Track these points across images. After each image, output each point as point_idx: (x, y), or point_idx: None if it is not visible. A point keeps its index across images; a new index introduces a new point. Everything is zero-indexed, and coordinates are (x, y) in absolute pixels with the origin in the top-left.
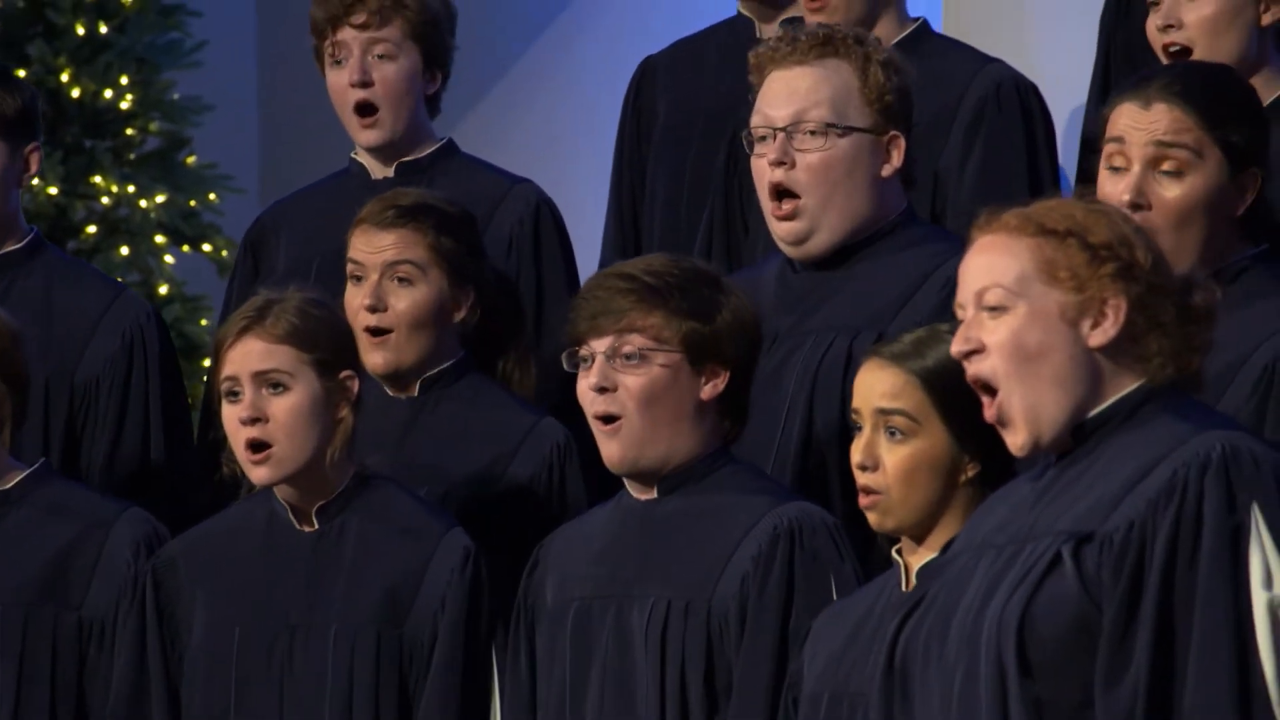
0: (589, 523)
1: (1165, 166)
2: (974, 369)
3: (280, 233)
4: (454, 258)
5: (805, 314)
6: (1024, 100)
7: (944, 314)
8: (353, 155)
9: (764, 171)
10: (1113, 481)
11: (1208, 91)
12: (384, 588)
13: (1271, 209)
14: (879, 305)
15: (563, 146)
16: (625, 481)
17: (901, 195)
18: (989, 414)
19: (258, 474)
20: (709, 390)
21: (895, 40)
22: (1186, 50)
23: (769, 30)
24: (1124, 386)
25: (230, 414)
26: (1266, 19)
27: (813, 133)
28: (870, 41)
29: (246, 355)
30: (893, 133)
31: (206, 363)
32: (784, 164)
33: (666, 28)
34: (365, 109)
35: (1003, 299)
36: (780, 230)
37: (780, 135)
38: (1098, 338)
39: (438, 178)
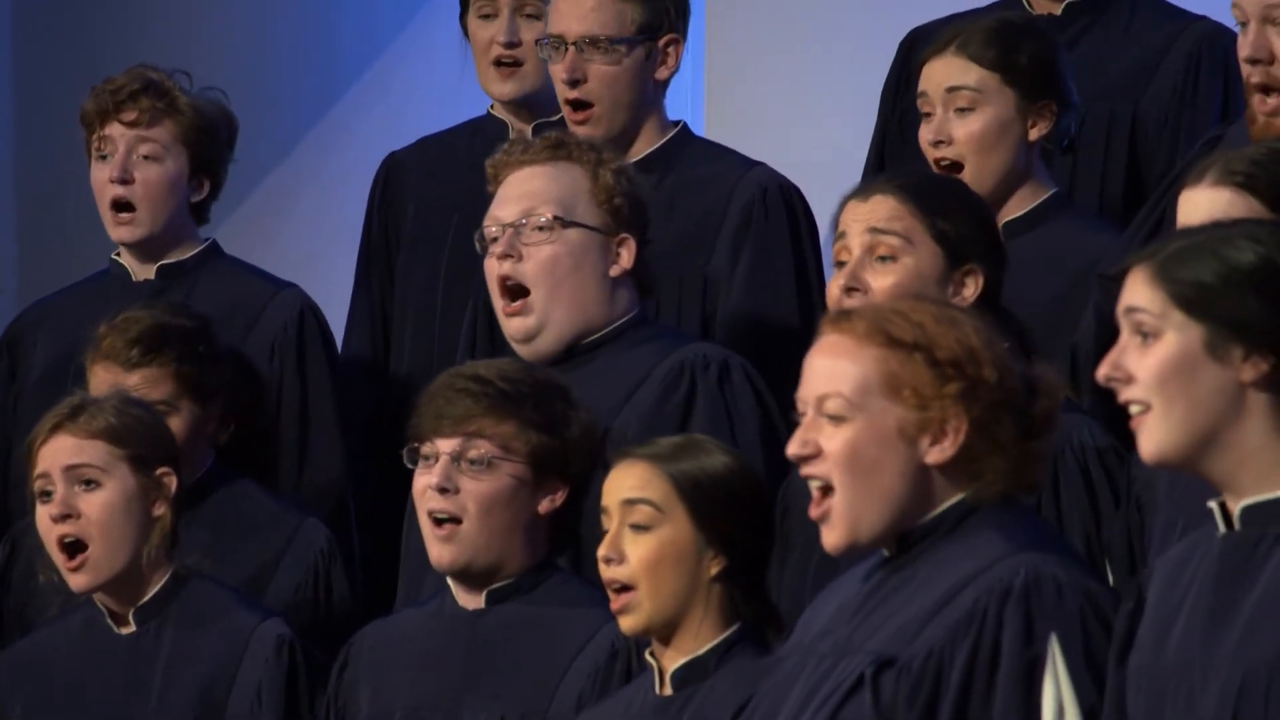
0: (405, 626)
1: (879, 252)
2: (808, 470)
3: (38, 333)
4: (199, 380)
5: None
6: (789, 203)
7: (662, 407)
8: (114, 256)
9: (494, 268)
10: (924, 601)
11: (925, 185)
12: (199, 687)
13: (1010, 319)
14: (604, 405)
15: (328, 249)
16: (451, 587)
17: (634, 299)
18: (814, 512)
19: (76, 581)
20: (547, 505)
21: (658, 146)
22: (957, 165)
23: (525, 134)
24: (951, 498)
25: (42, 514)
26: (1033, 134)
27: (540, 228)
28: (604, 149)
29: (58, 451)
30: (622, 234)
31: None
32: (511, 257)
33: (431, 131)
34: (122, 206)
35: (842, 409)
36: (510, 327)
37: (509, 231)
38: (934, 456)
39: (201, 280)
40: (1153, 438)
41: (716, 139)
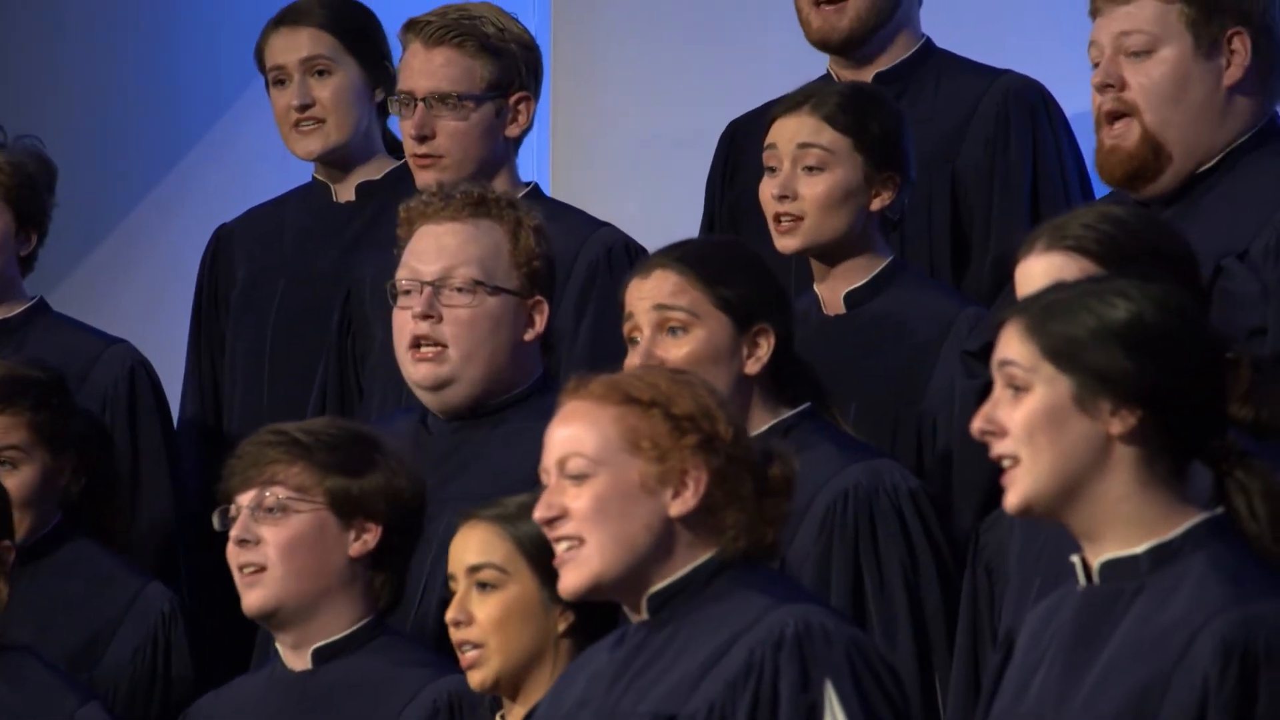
0: (238, 693)
1: (669, 325)
2: (556, 533)
3: None
4: (53, 430)
5: (443, 480)
6: (634, 264)
7: None
8: None
9: (406, 324)
10: (692, 660)
11: (702, 255)
12: None
13: (804, 369)
14: (515, 477)
15: (165, 310)
16: (279, 649)
17: (539, 361)
18: (557, 560)
19: None
20: (358, 547)
21: None
22: (798, 221)
23: (344, 194)
24: (697, 557)
25: None
26: (876, 203)
27: (460, 289)
28: (522, 207)
29: None
30: (537, 298)
31: None
32: (430, 318)
33: (270, 195)
34: None
35: (584, 468)
36: (419, 372)
37: (427, 289)
38: (677, 507)
39: (30, 336)
40: (1019, 488)
41: (563, 200)
